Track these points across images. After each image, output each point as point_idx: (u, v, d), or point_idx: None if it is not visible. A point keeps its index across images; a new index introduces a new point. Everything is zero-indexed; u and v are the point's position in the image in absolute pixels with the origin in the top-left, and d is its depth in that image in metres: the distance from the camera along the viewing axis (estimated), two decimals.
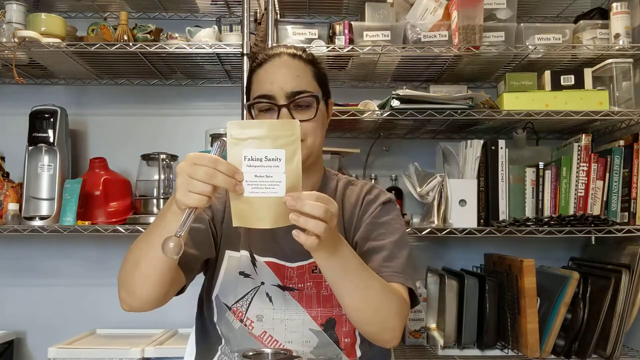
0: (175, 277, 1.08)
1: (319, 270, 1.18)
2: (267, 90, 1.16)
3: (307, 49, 1.24)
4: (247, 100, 1.24)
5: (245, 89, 1.27)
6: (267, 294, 1.19)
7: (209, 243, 1.19)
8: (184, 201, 0.90)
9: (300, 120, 1.12)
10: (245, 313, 1.19)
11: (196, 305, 1.30)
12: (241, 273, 1.20)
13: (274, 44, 1.92)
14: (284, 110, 1.15)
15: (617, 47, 1.96)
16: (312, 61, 1.22)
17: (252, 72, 1.23)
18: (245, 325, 1.19)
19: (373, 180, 2.25)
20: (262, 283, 1.20)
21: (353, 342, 1.21)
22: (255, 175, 0.91)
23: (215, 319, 1.23)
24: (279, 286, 1.19)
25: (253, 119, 1.18)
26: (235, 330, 1.20)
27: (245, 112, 1.85)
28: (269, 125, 0.93)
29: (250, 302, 1.19)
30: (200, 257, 1.16)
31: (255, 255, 1.20)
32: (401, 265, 1.15)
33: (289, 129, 0.92)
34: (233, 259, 1.22)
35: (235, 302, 1.20)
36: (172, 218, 0.95)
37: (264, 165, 0.91)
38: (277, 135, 0.91)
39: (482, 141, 2.01)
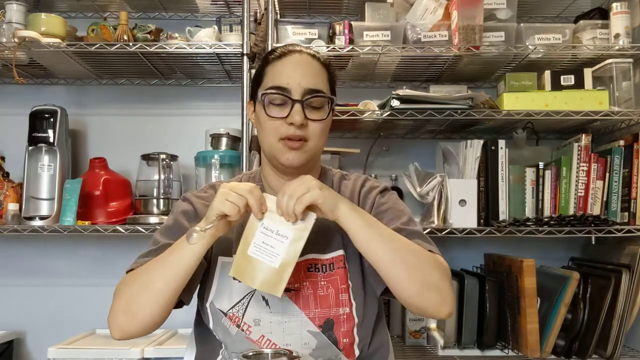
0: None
1: (314, 269, 1.18)
2: (285, 83, 1.16)
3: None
4: (252, 92, 1.22)
5: (253, 80, 1.26)
6: (263, 297, 1.17)
7: (203, 263, 1.19)
8: (219, 207, 1.05)
9: (310, 120, 1.16)
10: (242, 318, 1.17)
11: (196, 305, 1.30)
12: (235, 278, 1.17)
13: (275, 44, 1.92)
14: (298, 106, 1.15)
15: (617, 47, 1.96)
16: (328, 66, 1.23)
17: (267, 63, 1.22)
18: (243, 330, 1.17)
19: None
20: None
21: (352, 342, 1.20)
22: (263, 242, 1.09)
23: (211, 325, 1.22)
24: None
25: (264, 110, 1.17)
26: (232, 336, 1.18)
27: (245, 110, 1.83)
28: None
29: (247, 307, 1.18)
30: (197, 278, 1.18)
31: None
32: (423, 239, 1.17)
33: (307, 219, 1.08)
34: (226, 265, 1.20)
35: (231, 308, 1.18)
36: (189, 246, 1.06)
37: (273, 237, 1.08)
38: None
39: (482, 141, 2.01)
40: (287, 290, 1.17)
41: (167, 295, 1.08)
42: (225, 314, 1.18)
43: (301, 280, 1.18)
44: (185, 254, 1.07)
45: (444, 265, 1.12)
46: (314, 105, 1.17)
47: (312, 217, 1.08)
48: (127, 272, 1.16)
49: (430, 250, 1.14)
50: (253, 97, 1.24)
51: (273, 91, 1.16)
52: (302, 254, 1.17)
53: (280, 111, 1.16)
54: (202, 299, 1.23)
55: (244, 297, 1.18)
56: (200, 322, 1.27)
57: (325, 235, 1.20)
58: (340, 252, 1.21)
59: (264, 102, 1.18)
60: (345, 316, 1.18)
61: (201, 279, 1.22)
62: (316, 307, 1.17)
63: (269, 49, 1.88)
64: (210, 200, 1.19)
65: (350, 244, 1.20)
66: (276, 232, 1.08)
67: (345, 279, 1.19)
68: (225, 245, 1.21)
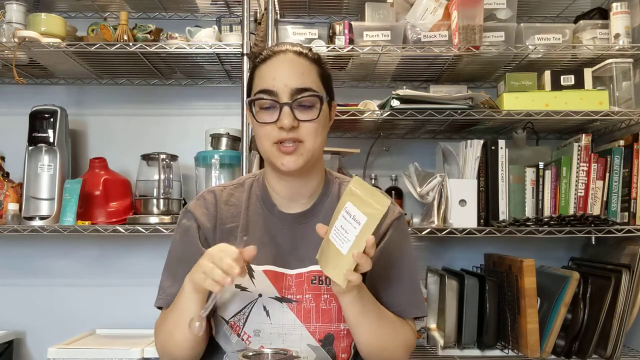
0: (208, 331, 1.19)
1: (318, 281, 1.16)
2: (270, 86, 1.12)
3: (312, 49, 1.21)
4: (248, 97, 1.20)
5: (246, 86, 1.23)
6: (265, 308, 1.15)
7: None
8: (201, 283, 1.03)
9: (301, 121, 1.12)
10: (243, 327, 1.16)
11: None
12: (237, 286, 1.17)
13: (275, 44, 1.92)
14: (286, 109, 1.11)
15: (617, 47, 1.96)
16: (317, 60, 1.18)
17: (254, 68, 1.19)
18: (243, 339, 1.16)
19: (373, 181, 2.24)
20: (260, 295, 1.16)
21: (348, 357, 1.20)
22: (341, 226, 1.01)
23: (214, 333, 1.21)
24: (276, 298, 1.16)
25: (254, 116, 1.15)
26: (232, 345, 1.17)
27: (245, 110, 1.83)
28: (372, 191, 1.01)
29: (248, 316, 1.16)
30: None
31: (252, 266, 1.17)
32: (416, 293, 1.21)
33: (382, 203, 0.99)
34: None
35: (233, 316, 1.17)
36: (187, 298, 1.09)
37: (350, 221, 1.00)
38: (370, 203, 0.99)
39: (482, 141, 2.00)
40: (289, 301, 1.16)
41: (191, 341, 1.12)
42: (227, 322, 1.17)
43: (304, 292, 1.16)
44: (184, 313, 1.09)
45: (413, 340, 1.20)
46: (304, 104, 1.12)
47: (387, 202, 0.99)
48: (156, 305, 1.22)
49: (417, 315, 1.22)
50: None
51: (260, 96, 1.13)
52: (306, 265, 1.18)
53: (270, 115, 1.12)
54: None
55: (246, 306, 1.16)
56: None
57: None
58: None
59: (252, 109, 1.15)
60: (345, 331, 1.16)
61: None
62: (317, 320, 1.16)
63: None
64: (211, 207, 1.22)
65: None
66: (353, 217, 1.00)
67: None
68: None
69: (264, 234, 1.20)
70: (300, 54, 1.16)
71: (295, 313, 1.15)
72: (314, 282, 1.16)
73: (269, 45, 1.93)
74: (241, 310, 1.16)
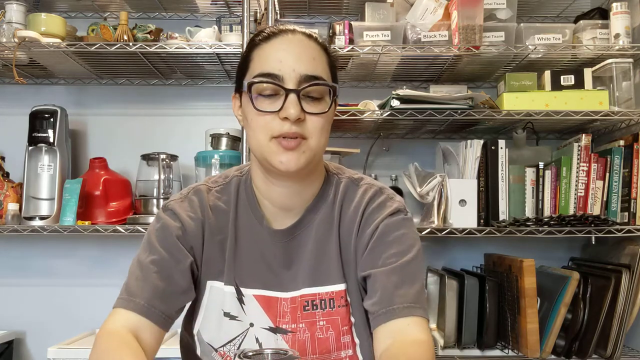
0: None
1: (311, 306, 1.03)
2: (275, 69, 0.94)
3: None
4: (237, 82, 1.02)
5: (238, 67, 1.04)
6: (257, 340, 1.03)
7: (189, 293, 1.04)
8: None
9: (309, 113, 0.96)
10: (234, 358, 1.01)
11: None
12: (226, 314, 1.04)
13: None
14: (292, 97, 0.93)
15: (617, 47, 1.96)
16: (327, 48, 1.02)
17: (252, 47, 1.00)
18: None
19: None
20: (251, 324, 1.04)
21: None
22: None
23: (198, 352, 1.08)
24: (270, 329, 1.03)
25: (251, 103, 0.96)
26: None
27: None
28: None
29: (239, 348, 1.04)
30: (178, 307, 1.03)
31: (242, 289, 1.03)
32: (416, 291, 0.98)
33: None
34: (216, 291, 1.05)
35: (222, 346, 1.04)
36: None
37: None
38: None
39: (482, 141, 2.01)
40: (283, 332, 1.04)
41: None
42: (216, 350, 1.06)
43: (297, 320, 1.02)
44: None
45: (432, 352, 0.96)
46: (312, 95, 0.96)
47: None
48: (115, 307, 1.02)
49: (421, 316, 0.97)
50: (238, 89, 1.03)
51: (261, 79, 0.95)
52: (298, 287, 1.04)
53: (271, 104, 0.95)
54: (189, 322, 1.10)
55: (236, 337, 1.04)
56: (186, 344, 1.14)
57: (323, 263, 1.04)
58: (342, 286, 1.03)
59: (250, 94, 0.96)
60: (348, 359, 1.05)
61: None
62: (314, 352, 1.03)
63: None
64: (198, 211, 1.04)
65: (352, 276, 1.04)
66: None
67: (347, 319, 1.03)
68: (213, 268, 1.05)
69: (254, 249, 1.05)
70: (310, 37, 0.99)
71: (290, 345, 1.03)
72: (306, 308, 1.02)
73: None
74: (231, 341, 1.04)
